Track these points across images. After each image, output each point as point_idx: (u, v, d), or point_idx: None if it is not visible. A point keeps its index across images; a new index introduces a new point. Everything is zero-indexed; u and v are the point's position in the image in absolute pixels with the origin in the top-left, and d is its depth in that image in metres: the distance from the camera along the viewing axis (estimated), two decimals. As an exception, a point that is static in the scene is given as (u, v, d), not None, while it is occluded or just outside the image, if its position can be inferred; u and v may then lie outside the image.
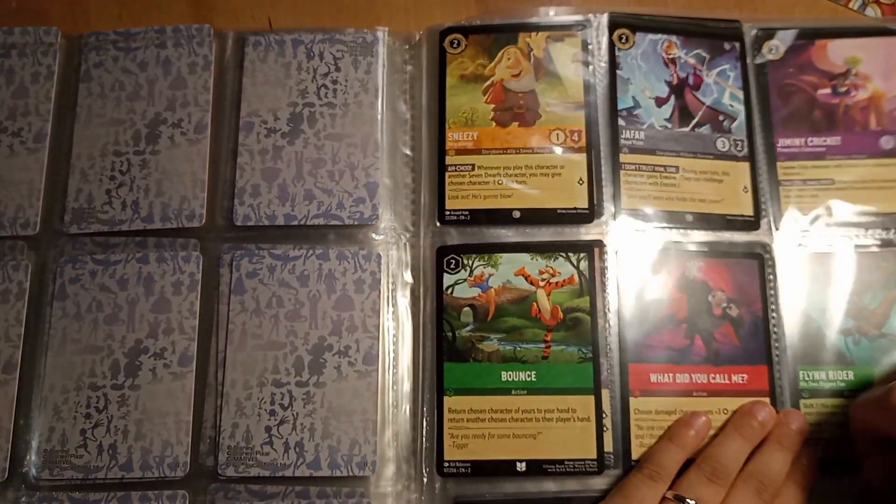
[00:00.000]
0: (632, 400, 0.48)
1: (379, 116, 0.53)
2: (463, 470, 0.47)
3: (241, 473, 0.47)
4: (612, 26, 0.54)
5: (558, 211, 0.51)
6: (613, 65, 0.53)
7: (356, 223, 0.51)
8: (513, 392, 0.48)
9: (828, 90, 0.53)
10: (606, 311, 0.49)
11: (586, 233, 0.51)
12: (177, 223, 0.51)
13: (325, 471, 0.47)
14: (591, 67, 0.53)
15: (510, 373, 0.48)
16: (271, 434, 0.47)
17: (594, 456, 0.47)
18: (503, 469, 0.47)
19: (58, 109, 0.53)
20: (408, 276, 0.51)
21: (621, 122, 0.52)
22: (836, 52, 0.54)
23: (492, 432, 0.48)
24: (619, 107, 0.53)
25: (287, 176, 0.51)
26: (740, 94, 0.53)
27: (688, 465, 0.46)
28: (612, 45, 0.54)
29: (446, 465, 0.47)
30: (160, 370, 0.48)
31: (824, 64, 0.54)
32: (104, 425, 0.47)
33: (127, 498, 0.47)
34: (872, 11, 0.57)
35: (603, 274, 0.50)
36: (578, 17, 0.54)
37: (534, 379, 0.48)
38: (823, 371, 0.49)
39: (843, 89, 0.53)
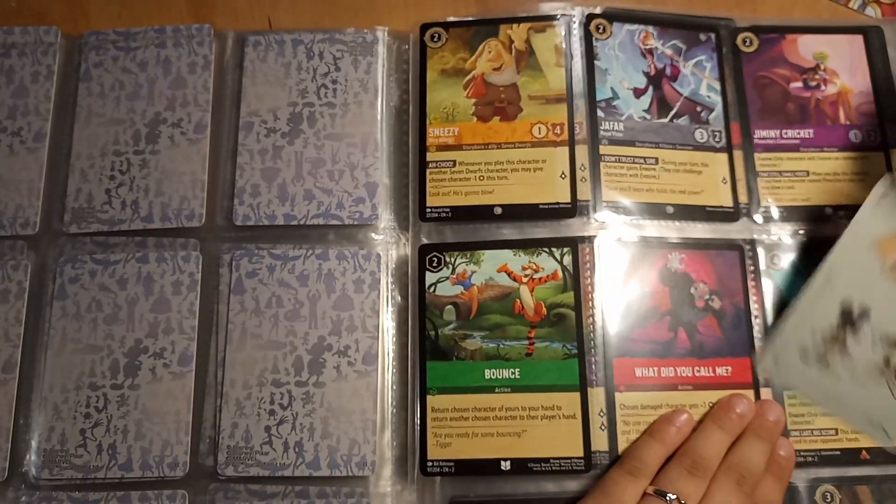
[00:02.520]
0: (617, 395, 0.48)
1: (379, 116, 0.53)
2: (447, 469, 0.47)
3: (240, 473, 0.47)
4: (589, 17, 0.54)
5: (540, 206, 0.50)
6: (591, 55, 0.53)
7: (356, 223, 0.51)
8: (496, 390, 0.48)
9: (799, 83, 0.54)
10: (591, 305, 0.49)
11: (569, 227, 0.50)
12: (176, 223, 0.51)
13: (324, 471, 0.47)
14: (571, 59, 0.53)
15: (494, 370, 0.48)
16: (270, 434, 0.47)
17: (581, 454, 0.46)
18: (487, 468, 0.47)
19: (57, 109, 0.53)
20: (399, 275, 0.51)
21: (600, 113, 0.52)
22: (806, 47, 0.55)
23: (476, 431, 0.47)
24: (598, 98, 0.52)
25: (287, 176, 0.51)
26: (717, 85, 0.53)
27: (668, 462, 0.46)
28: (588, 36, 0.53)
29: (430, 464, 0.47)
30: (160, 370, 0.48)
31: (795, 58, 0.54)
32: (104, 425, 0.47)
33: (126, 498, 0.47)
34: (872, 11, 0.57)
35: (587, 268, 0.49)
36: (559, 3, 0.54)
37: (518, 376, 0.48)
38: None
39: (814, 83, 0.54)
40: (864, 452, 0.47)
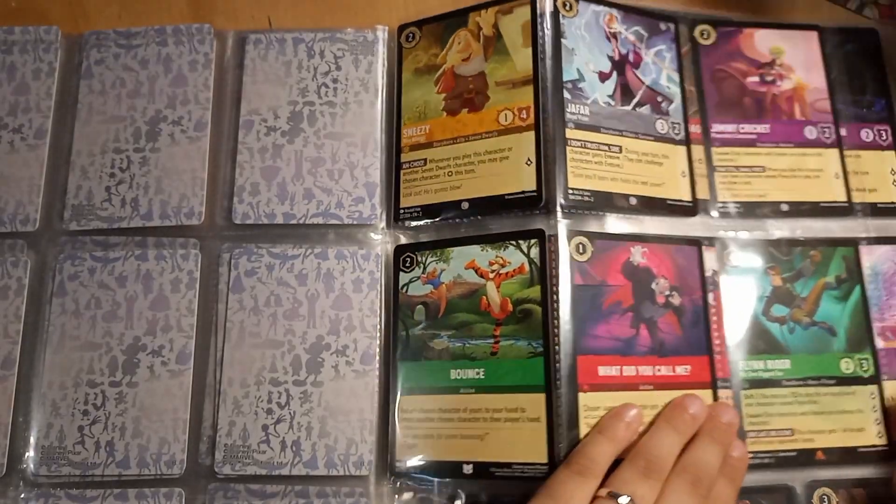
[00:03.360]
0: (581, 395, 0.45)
1: (379, 116, 0.53)
2: (413, 471, 0.47)
3: (237, 472, 0.47)
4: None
5: (506, 197, 0.48)
6: (558, 33, 0.51)
7: (355, 223, 0.51)
8: (461, 391, 0.47)
9: (756, 78, 0.53)
10: (556, 300, 0.46)
11: (535, 217, 0.48)
12: (176, 221, 0.51)
13: (321, 470, 0.46)
14: (539, 37, 0.50)
15: (459, 371, 0.47)
16: (268, 433, 0.47)
17: (545, 460, 0.44)
18: (450, 471, 0.46)
19: (58, 106, 0.53)
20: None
21: (567, 94, 0.49)
22: (763, 42, 0.54)
23: (440, 433, 0.47)
24: (565, 78, 0.50)
25: (286, 174, 0.51)
26: (676, 77, 0.53)
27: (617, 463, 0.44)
28: (556, 13, 0.51)
29: (398, 464, 0.47)
30: (158, 368, 0.48)
31: (752, 52, 0.54)
32: (102, 422, 0.47)
33: (124, 495, 0.47)
34: (870, 12, 0.57)
35: (553, 260, 0.47)
36: None
37: (482, 377, 0.46)
38: (762, 360, 0.48)
39: (770, 78, 0.53)
40: (819, 453, 0.47)
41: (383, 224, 0.51)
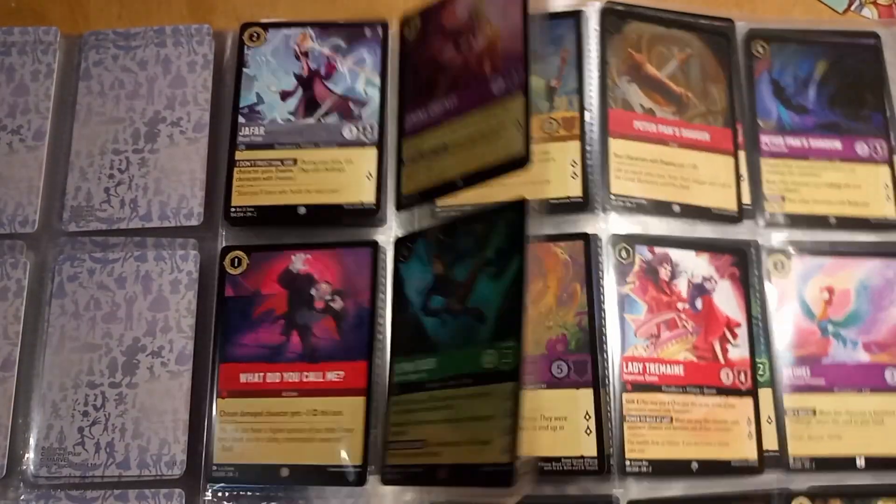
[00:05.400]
0: (219, 401, 0.47)
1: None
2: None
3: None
4: (244, 26, 0.54)
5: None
6: (241, 63, 0.53)
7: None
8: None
9: (451, 48, 0.48)
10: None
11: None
12: (175, 222, 0.51)
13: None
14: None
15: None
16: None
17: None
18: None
19: (57, 107, 0.53)
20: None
21: (242, 119, 0.52)
22: (462, 4, 0.48)
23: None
24: (242, 104, 0.52)
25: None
26: (377, 79, 0.53)
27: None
28: (241, 45, 0.54)
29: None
30: (157, 368, 0.48)
31: (453, 22, 0.48)
32: (102, 423, 0.47)
33: (124, 496, 0.47)
34: (869, 12, 0.57)
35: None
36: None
37: None
38: (413, 362, 0.45)
39: (465, 44, 0.47)
40: (441, 471, 0.41)
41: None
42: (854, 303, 0.51)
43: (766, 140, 0.53)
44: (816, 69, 0.55)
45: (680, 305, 0.49)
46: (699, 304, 0.49)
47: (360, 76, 0.53)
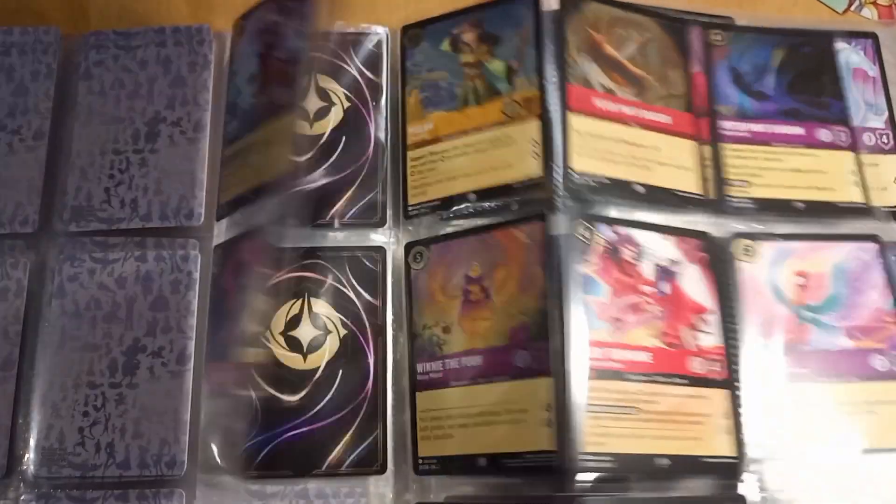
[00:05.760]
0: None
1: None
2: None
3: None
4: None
5: None
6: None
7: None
8: None
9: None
10: None
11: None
12: (175, 222, 0.51)
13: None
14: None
15: None
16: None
17: None
18: None
19: (57, 107, 0.53)
20: None
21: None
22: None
23: None
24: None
25: (286, 175, 0.52)
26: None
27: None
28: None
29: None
30: (158, 369, 0.48)
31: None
32: (102, 423, 0.47)
33: (124, 496, 0.47)
34: (869, 12, 0.57)
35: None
36: None
37: None
38: None
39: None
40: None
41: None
42: (832, 287, 0.49)
43: (728, 126, 0.52)
44: (773, 57, 0.54)
45: (646, 289, 0.47)
46: (666, 287, 0.48)
47: None
